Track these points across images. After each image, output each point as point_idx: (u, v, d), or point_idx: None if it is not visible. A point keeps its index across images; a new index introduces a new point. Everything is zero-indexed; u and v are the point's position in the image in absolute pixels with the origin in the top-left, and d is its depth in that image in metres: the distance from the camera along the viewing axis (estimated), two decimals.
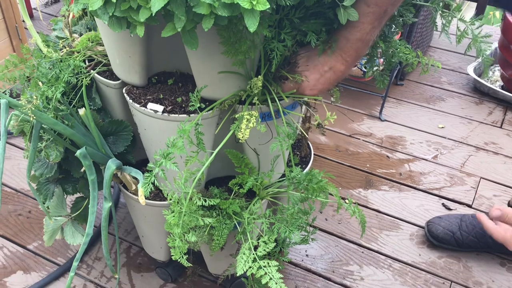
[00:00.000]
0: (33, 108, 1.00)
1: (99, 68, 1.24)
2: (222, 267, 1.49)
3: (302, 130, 1.20)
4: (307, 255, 1.76)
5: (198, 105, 1.09)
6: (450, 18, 1.10)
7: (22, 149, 2.11)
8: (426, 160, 2.15)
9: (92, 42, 1.22)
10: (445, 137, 2.26)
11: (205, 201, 1.10)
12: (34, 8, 2.98)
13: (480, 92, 2.55)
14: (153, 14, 0.81)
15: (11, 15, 2.12)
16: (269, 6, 0.80)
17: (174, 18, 0.84)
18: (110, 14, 0.86)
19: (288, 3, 0.88)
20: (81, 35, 1.31)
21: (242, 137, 1.02)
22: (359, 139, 2.25)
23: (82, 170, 1.19)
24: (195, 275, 1.65)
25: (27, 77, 1.15)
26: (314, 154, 1.51)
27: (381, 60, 1.96)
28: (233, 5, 0.81)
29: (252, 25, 0.81)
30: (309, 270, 1.71)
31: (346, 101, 2.44)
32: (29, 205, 1.89)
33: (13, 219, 1.84)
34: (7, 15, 2.10)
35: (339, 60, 1.03)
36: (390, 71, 1.25)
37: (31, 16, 2.92)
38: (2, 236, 1.78)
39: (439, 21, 1.23)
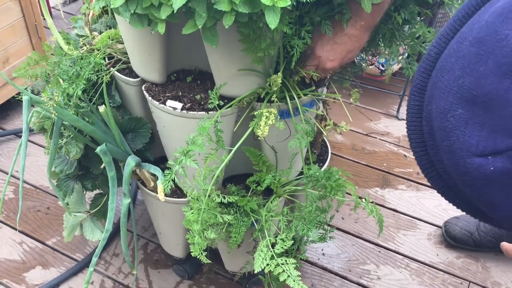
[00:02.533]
0: (54, 105, 1.01)
1: (119, 65, 1.25)
2: (239, 264, 1.49)
3: (321, 128, 1.20)
4: (323, 254, 1.75)
5: (217, 102, 1.09)
6: None
7: (41, 146, 2.13)
8: None
9: (112, 40, 1.23)
10: None
11: (224, 198, 1.10)
12: (53, 7, 3.01)
13: None
14: (175, 11, 0.81)
15: (30, 14, 2.14)
16: (290, 3, 0.80)
17: (195, 15, 0.84)
18: (132, 11, 0.86)
19: (308, 0, 0.88)
20: (101, 33, 1.32)
21: (261, 134, 1.02)
22: (376, 138, 2.24)
23: (101, 166, 1.20)
24: (212, 272, 1.65)
25: (48, 74, 1.17)
26: (330, 153, 1.51)
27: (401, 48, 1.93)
28: (254, 1, 0.81)
29: (273, 21, 0.81)
30: (325, 269, 1.71)
31: (363, 100, 2.43)
32: (48, 201, 1.91)
33: (32, 215, 1.86)
34: (27, 14, 2.13)
35: (353, 26, 1.01)
36: (416, 58, 1.23)
37: (50, 14, 2.95)
38: (21, 232, 1.80)
39: None
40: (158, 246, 1.76)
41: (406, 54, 1.23)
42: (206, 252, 1.08)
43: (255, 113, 1.06)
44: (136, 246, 1.61)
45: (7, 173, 2.02)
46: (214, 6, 0.81)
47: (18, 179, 1.96)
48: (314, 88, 1.11)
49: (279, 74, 1.04)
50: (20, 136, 2.19)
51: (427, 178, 0.53)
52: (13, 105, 2.30)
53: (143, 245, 1.77)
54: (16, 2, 2.08)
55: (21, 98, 1.08)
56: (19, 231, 1.80)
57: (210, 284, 1.64)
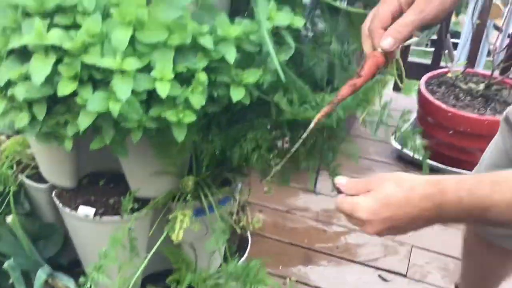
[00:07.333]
0: None
1: (28, 171, 1.21)
2: None
3: (235, 226, 1.22)
4: None
5: (131, 206, 1.09)
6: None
7: None
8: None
9: (20, 146, 1.21)
10: None
11: None
12: None
13: (404, 161, 2.69)
14: (81, 132, 0.82)
15: None
16: (195, 118, 0.84)
17: (103, 131, 0.85)
18: (37, 130, 0.86)
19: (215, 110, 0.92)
20: (8, 137, 1.29)
21: (176, 238, 1.03)
22: (296, 214, 2.29)
23: (10, 282, 1.14)
24: None
25: None
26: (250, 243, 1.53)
27: None
28: (161, 118, 0.84)
29: (180, 135, 0.84)
30: None
31: (280, 176, 2.49)
32: None
33: None
34: None
35: None
36: None
37: None
38: None
39: None
40: None
41: None
42: None
43: (170, 216, 1.07)
44: None
45: None
46: (121, 124, 0.83)
47: None
48: (228, 187, 1.14)
49: (190, 177, 1.06)
50: None
51: None
52: None
53: None
54: None
55: None
56: None
57: None
